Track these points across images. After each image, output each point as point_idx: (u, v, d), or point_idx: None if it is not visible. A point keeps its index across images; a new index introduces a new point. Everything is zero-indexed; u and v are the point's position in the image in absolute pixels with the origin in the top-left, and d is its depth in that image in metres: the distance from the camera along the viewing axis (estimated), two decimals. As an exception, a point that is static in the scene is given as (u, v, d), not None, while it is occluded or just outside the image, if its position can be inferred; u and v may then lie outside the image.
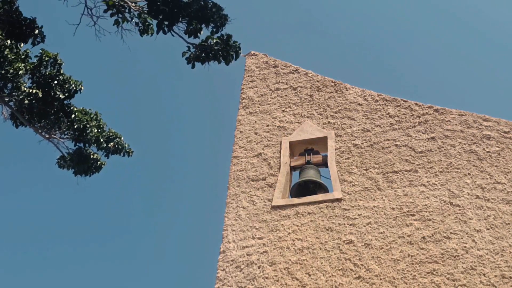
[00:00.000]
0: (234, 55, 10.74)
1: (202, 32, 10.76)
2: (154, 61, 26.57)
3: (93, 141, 13.85)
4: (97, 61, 26.42)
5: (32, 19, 11.77)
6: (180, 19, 10.54)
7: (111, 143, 14.20)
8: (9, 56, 11.62)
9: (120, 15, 10.96)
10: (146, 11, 10.85)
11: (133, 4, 11.05)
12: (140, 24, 11.05)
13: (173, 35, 10.69)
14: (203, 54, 10.79)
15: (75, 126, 13.40)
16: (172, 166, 26.30)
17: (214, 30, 10.74)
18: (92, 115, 13.97)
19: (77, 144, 13.94)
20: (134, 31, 11.21)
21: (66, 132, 13.83)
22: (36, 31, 11.65)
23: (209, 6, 10.59)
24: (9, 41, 11.59)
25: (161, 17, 10.42)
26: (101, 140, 13.89)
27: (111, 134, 14.35)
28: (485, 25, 25.94)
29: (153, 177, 26.37)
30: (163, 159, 26.42)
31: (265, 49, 8.57)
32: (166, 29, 10.54)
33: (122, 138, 14.58)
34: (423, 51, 26.11)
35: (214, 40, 10.73)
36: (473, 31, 25.82)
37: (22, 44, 12.33)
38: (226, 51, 10.67)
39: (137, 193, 26.59)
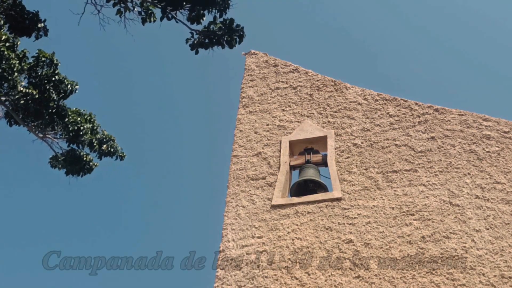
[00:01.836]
0: (237, 39, 10.69)
1: (205, 18, 10.72)
2: (154, 60, 26.57)
3: (86, 143, 13.86)
4: (98, 55, 26.42)
5: (35, 13, 11.73)
6: (183, 4, 10.50)
7: (104, 146, 14.21)
8: (5, 53, 11.58)
9: (122, 5, 10.94)
10: (149, 0, 10.84)
11: None
12: (142, 13, 11.05)
13: (177, 22, 10.67)
14: (207, 40, 10.75)
15: (70, 129, 13.40)
16: (172, 165, 26.33)
17: (217, 15, 10.70)
18: (86, 116, 13.97)
19: (71, 145, 13.94)
20: (137, 20, 11.22)
21: (60, 133, 13.83)
22: (40, 25, 11.59)
23: None
24: (5, 36, 11.55)
25: (164, 3, 10.38)
26: (95, 144, 13.90)
27: (104, 136, 14.36)
28: (485, 24, 26.08)
29: (153, 176, 26.38)
30: (163, 158, 26.43)
31: (265, 48, 8.59)
32: (170, 15, 10.51)
33: (115, 140, 14.60)
34: (423, 50, 26.23)
35: (217, 25, 10.69)
36: (473, 31, 25.97)
37: (19, 42, 12.30)
38: (230, 35, 10.62)
39: (137, 191, 26.58)
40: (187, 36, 10.89)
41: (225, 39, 10.54)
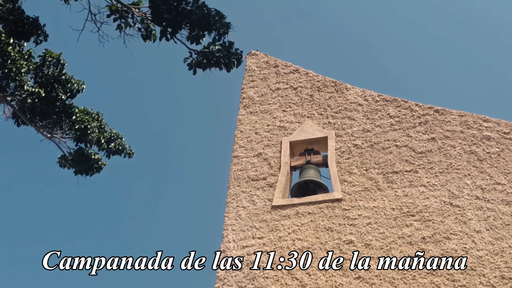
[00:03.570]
0: (235, 62, 10.73)
1: (204, 38, 10.77)
2: (156, 62, 26.63)
3: (94, 141, 13.91)
4: (99, 65, 26.52)
5: (34, 18, 11.75)
6: (182, 27, 10.55)
7: (112, 144, 14.26)
8: (12, 54, 11.65)
9: (123, 20, 10.99)
10: (149, 18, 10.89)
11: (136, 10, 11.09)
12: (142, 30, 11.11)
13: (175, 42, 10.70)
14: (205, 61, 10.78)
15: (77, 127, 13.46)
16: (172, 166, 26.38)
17: (217, 37, 10.74)
18: (93, 115, 14.02)
19: (79, 144, 14.00)
20: (136, 36, 11.27)
21: (67, 132, 13.89)
22: (39, 31, 11.62)
23: (212, 13, 10.58)
24: (12, 39, 11.60)
25: (164, 24, 10.43)
26: (102, 141, 13.95)
27: (112, 134, 14.41)
28: (485, 24, 25.94)
29: (154, 177, 26.43)
30: (163, 159, 26.49)
31: (266, 49, 8.59)
32: (169, 36, 10.55)
33: (123, 139, 14.65)
34: (424, 51, 26.12)
35: (216, 47, 10.73)
36: (474, 31, 25.83)
37: (25, 43, 12.36)
38: (228, 58, 10.66)
39: (137, 192, 26.65)
40: (187, 51, 10.95)
41: (223, 61, 10.57)
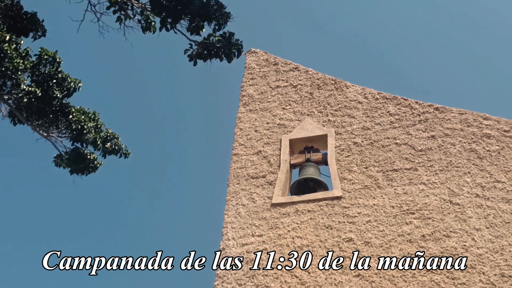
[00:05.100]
0: (236, 53, 10.73)
1: (204, 29, 10.76)
2: (155, 58, 26.61)
3: (90, 141, 13.89)
4: (98, 59, 26.50)
5: (33, 14, 11.73)
6: (182, 17, 10.54)
7: (108, 144, 14.24)
8: (9, 52, 11.62)
9: (122, 12, 10.99)
10: (149, 9, 10.88)
11: (136, 2, 11.09)
12: (142, 21, 11.10)
13: (175, 32, 10.71)
14: (205, 52, 10.79)
15: (73, 127, 13.44)
16: (172, 164, 26.40)
17: (217, 27, 10.74)
18: (90, 115, 14.01)
19: (75, 143, 13.97)
20: (136, 28, 11.27)
21: (64, 132, 13.87)
22: (38, 26, 11.60)
23: (212, 3, 10.59)
24: (8, 36, 11.59)
25: (164, 14, 10.41)
26: (98, 142, 13.93)
27: (108, 134, 14.39)
28: (486, 22, 26.00)
29: (153, 176, 26.42)
30: (163, 158, 26.49)
31: (266, 47, 8.59)
32: (169, 26, 10.54)
33: (119, 139, 14.63)
34: (424, 49, 26.19)
35: (216, 38, 10.73)
36: (474, 29, 25.88)
37: (22, 41, 12.33)
38: (228, 48, 10.67)
39: (137, 192, 26.64)
40: (187, 43, 10.95)
41: (224, 52, 10.58)
